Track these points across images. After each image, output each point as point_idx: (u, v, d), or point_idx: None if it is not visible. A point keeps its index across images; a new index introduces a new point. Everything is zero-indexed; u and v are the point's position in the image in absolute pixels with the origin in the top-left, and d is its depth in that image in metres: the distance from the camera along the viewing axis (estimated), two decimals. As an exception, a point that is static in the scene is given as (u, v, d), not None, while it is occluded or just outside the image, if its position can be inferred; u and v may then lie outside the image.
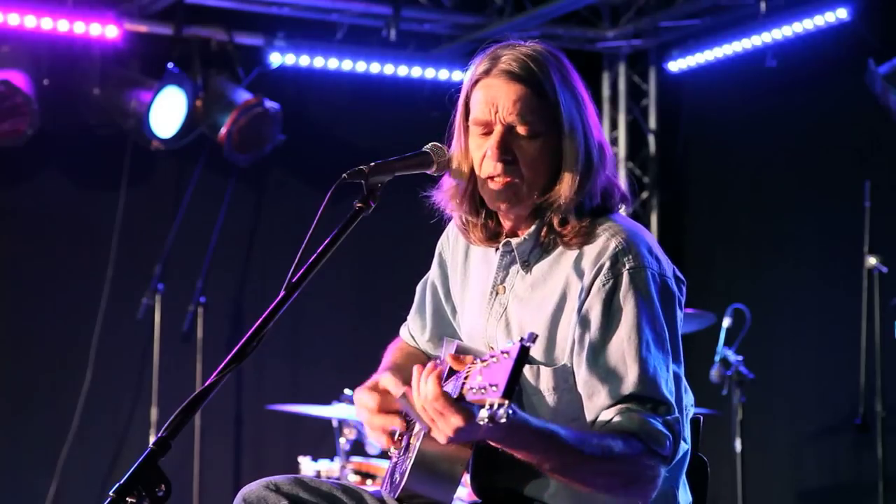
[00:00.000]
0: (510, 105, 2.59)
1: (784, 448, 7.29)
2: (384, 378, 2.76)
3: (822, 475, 7.12)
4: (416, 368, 2.41)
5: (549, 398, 2.59)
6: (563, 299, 2.58)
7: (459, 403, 2.27)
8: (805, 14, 6.83)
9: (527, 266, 2.66)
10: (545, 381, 2.59)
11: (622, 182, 2.72)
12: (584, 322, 2.54)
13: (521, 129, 2.59)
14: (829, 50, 6.95)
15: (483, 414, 2.10)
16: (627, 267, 2.53)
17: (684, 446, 2.56)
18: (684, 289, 2.65)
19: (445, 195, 2.73)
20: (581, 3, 7.29)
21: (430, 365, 2.40)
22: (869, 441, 6.34)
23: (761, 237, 7.56)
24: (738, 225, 7.77)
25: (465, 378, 2.28)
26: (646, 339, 2.50)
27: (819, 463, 7.13)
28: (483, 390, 2.16)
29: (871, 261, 6.16)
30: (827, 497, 7.14)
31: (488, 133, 2.62)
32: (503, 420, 2.07)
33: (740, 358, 6.25)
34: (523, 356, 2.11)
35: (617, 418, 2.46)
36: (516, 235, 2.70)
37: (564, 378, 2.57)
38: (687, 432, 2.61)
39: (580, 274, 2.57)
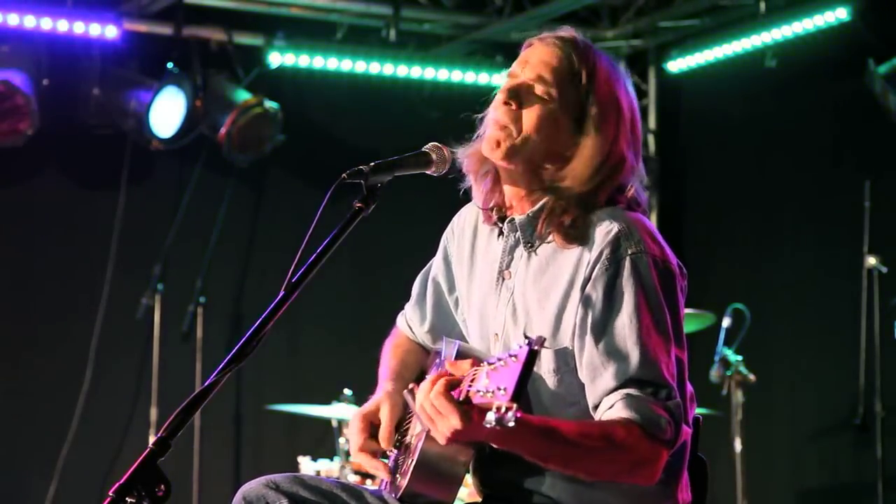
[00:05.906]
0: (538, 63, 2.60)
1: (784, 448, 7.28)
2: (382, 410, 2.76)
3: (822, 475, 7.12)
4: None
5: (551, 380, 2.59)
6: (567, 284, 2.57)
7: (460, 405, 2.27)
8: (805, 14, 6.83)
9: (531, 248, 2.65)
10: (546, 364, 2.59)
11: (643, 194, 2.67)
12: (586, 307, 2.53)
13: (539, 88, 2.59)
14: (828, 50, 6.95)
15: (490, 417, 2.08)
16: (629, 252, 2.53)
17: (687, 430, 2.56)
18: (686, 283, 2.64)
19: (470, 158, 2.71)
20: (580, 3, 7.29)
21: (443, 368, 2.41)
22: (869, 441, 6.34)
23: (761, 237, 7.56)
24: (738, 225, 7.77)
25: (472, 381, 2.28)
26: (647, 323, 2.50)
27: (819, 463, 7.12)
28: (490, 393, 2.14)
29: (871, 261, 6.16)
30: (827, 497, 7.14)
31: None
32: (511, 424, 2.06)
33: (740, 358, 6.24)
34: (532, 360, 2.10)
35: (618, 404, 2.46)
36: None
37: (566, 360, 2.57)
38: (689, 417, 2.60)
39: (583, 259, 2.56)
